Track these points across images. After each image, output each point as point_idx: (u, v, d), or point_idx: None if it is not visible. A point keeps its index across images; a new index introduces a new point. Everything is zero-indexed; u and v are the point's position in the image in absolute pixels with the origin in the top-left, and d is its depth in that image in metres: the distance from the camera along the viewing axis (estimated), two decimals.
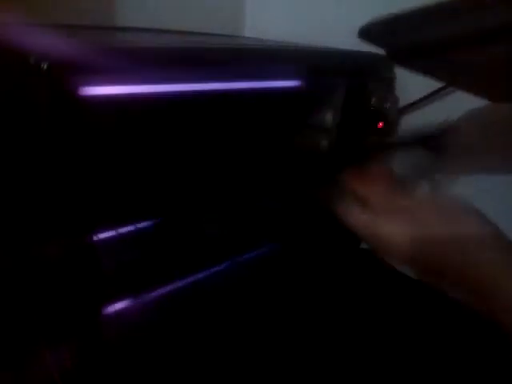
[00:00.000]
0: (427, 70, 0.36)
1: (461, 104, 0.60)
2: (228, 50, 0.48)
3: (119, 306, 0.47)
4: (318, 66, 0.54)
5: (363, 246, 0.74)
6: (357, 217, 0.34)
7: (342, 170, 0.37)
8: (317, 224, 0.65)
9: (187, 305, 0.50)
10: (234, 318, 0.52)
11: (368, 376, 0.48)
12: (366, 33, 0.32)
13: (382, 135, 0.65)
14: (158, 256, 0.59)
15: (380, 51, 0.37)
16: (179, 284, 0.53)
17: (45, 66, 0.30)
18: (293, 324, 0.54)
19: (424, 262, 0.31)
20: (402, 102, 0.63)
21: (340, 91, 0.59)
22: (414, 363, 0.50)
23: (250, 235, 0.67)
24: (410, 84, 0.63)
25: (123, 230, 0.60)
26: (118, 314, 0.46)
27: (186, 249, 0.62)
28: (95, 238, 0.47)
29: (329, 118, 0.64)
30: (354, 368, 0.48)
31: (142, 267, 0.56)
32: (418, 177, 0.39)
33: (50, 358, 0.39)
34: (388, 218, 0.32)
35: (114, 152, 0.64)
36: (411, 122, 0.66)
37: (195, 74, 0.43)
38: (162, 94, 0.42)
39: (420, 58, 0.33)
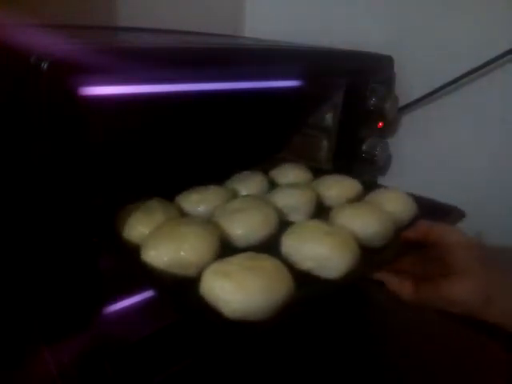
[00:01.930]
0: None
1: (460, 103, 0.61)
2: (228, 50, 0.48)
3: (119, 305, 0.47)
4: (318, 66, 0.54)
5: None
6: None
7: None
8: None
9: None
10: None
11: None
12: None
13: (382, 135, 0.65)
14: None
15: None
16: None
17: (45, 66, 0.30)
18: None
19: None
20: (402, 102, 0.64)
21: (340, 91, 0.59)
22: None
23: None
24: (410, 84, 0.63)
25: None
26: (118, 313, 0.46)
27: None
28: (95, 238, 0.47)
29: (329, 117, 0.64)
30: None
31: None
32: None
33: (50, 358, 0.39)
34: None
35: (114, 152, 0.64)
36: (411, 122, 0.66)
37: (195, 73, 0.43)
38: (162, 94, 0.42)
39: None
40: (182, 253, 0.37)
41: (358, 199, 0.54)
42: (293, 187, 0.53)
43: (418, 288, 0.41)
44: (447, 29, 0.59)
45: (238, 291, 0.33)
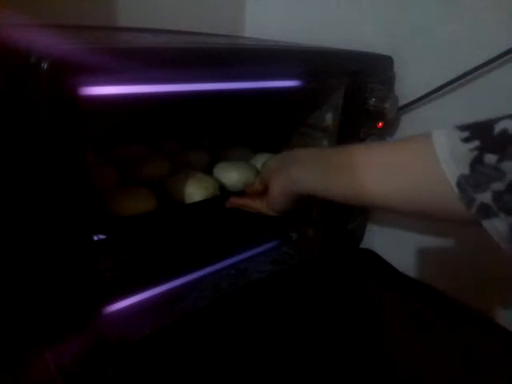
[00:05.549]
0: None
1: (460, 103, 0.61)
2: (228, 50, 0.48)
3: (119, 305, 0.47)
4: (317, 66, 0.54)
5: (362, 246, 0.74)
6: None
7: None
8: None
9: (187, 304, 0.51)
10: (234, 319, 0.52)
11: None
12: None
13: (382, 135, 0.65)
14: (156, 254, 0.59)
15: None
16: (179, 282, 0.53)
17: (45, 66, 0.30)
18: (291, 326, 0.54)
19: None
20: (402, 102, 0.63)
21: (340, 91, 0.59)
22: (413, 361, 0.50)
23: (250, 231, 0.67)
24: (410, 84, 0.63)
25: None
26: (118, 313, 0.46)
27: (184, 246, 0.62)
28: (95, 238, 0.47)
29: (329, 117, 0.64)
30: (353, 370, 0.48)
31: (141, 266, 0.56)
32: None
33: (50, 358, 0.39)
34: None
35: (113, 151, 0.64)
36: (411, 122, 0.66)
37: (195, 74, 0.43)
38: (162, 94, 0.42)
39: None
40: None
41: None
42: None
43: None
44: (447, 29, 0.59)
45: (119, 204, 0.52)
